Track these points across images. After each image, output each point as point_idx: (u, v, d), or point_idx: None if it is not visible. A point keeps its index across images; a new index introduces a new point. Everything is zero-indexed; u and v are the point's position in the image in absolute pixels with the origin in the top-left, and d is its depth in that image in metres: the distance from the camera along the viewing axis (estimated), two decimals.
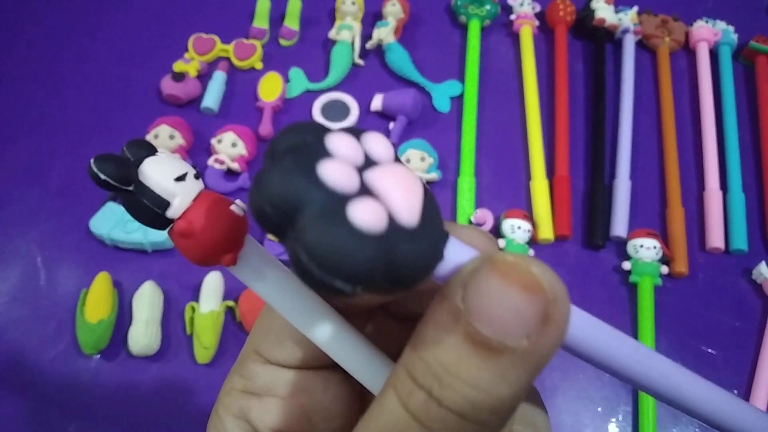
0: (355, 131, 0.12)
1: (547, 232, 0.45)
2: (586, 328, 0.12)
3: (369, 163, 0.11)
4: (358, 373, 0.13)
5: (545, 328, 0.10)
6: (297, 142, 0.11)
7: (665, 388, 0.13)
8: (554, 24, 0.56)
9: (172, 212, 0.12)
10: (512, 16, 0.56)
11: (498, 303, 0.10)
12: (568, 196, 0.47)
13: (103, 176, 0.12)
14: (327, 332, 0.13)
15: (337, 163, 0.11)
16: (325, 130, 0.12)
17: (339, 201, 0.10)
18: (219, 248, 0.12)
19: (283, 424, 0.14)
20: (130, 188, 0.12)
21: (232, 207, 0.13)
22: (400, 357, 0.11)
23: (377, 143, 0.12)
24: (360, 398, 0.15)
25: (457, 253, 0.11)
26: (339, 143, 0.11)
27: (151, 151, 0.13)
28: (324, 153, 0.11)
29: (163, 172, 0.12)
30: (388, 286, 0.10)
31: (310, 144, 0.11)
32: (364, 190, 0.11)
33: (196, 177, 0.13)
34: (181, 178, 0.12)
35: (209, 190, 0.13)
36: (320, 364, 0.15)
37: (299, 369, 0.15)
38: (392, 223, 0.11)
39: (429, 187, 0.13)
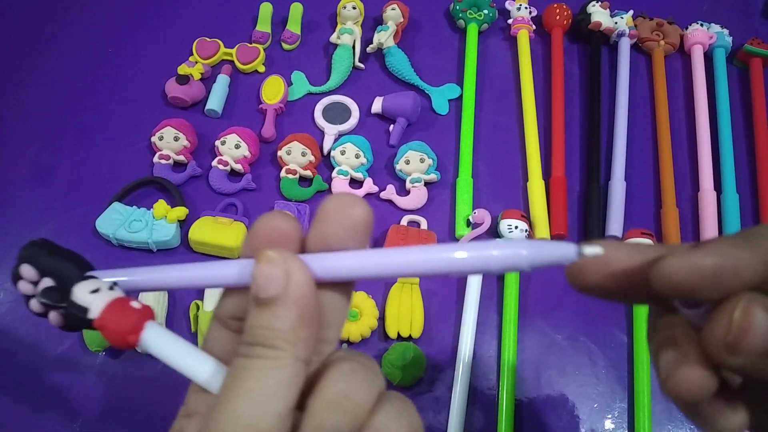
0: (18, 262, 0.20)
1: (543, 232, 0.46)
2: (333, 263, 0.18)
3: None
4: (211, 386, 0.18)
5: (289, 279, 0.17)
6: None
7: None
8: (551, 28, 0.56)
9: (91, 315, 0.18)
10: (510, 20, 0.57)
11: (259, 276, 0.17)
12: (564, 196, 0.47)
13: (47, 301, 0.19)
14: (202, 369, 0.19)
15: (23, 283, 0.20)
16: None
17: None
18: (124, 332, 0.18)
19: None
20: (63, 305, 0.19)
21: (132, 303, 0.19)
22: None
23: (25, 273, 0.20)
24: None
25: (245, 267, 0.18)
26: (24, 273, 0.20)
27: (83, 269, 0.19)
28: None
29: (83, 289, 0.19)
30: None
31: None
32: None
33: (110, 288, 0.19)
34: (95, 291, 0.19)
35: (119, 296, 0.19)
36: None
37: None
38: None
39: None
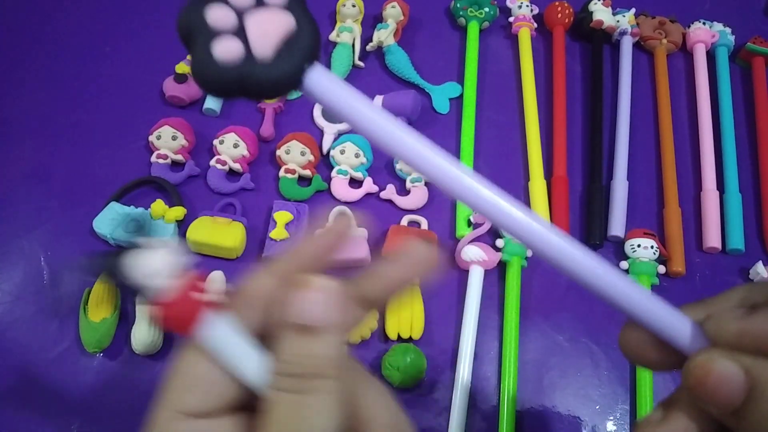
0: None
1: None
2: None
3: (259, 4, 0.15)
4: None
5: (334, 306, 0.17)
6: None
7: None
8: (552, 26, 0.56)
9: (147, 299, 0.17)
10: (511, 19, 0.56)
11: (305, 302, 0.17)
12: (565, 196, 0.47)
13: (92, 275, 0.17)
14: (252, 367, 0.17)
15: (219, 7, 0.15)
16: None
17: (213, 36, 0.15)
18: (179, 329, 0.17)
19: None
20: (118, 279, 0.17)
21: (197, 294, 0.17)
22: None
23: None
24: None
25: (326, 85, 0.16)
26: None
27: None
28: None
29: (140, 269, 0.16)
30: (250, 97, 0.15)
31: None
32: (239, 29, 0.15)
33: (173, 268, 0.17)
34: (156, 274, 0.16)
35: (186, 277, 0.17)
36: (226, 411, 0.18)
37: (213, 418, 0.18)
38: (249, 55, 0.15)
39: (308, 28, 0.16)
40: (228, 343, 0.17)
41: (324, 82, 0.16)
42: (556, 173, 0.48)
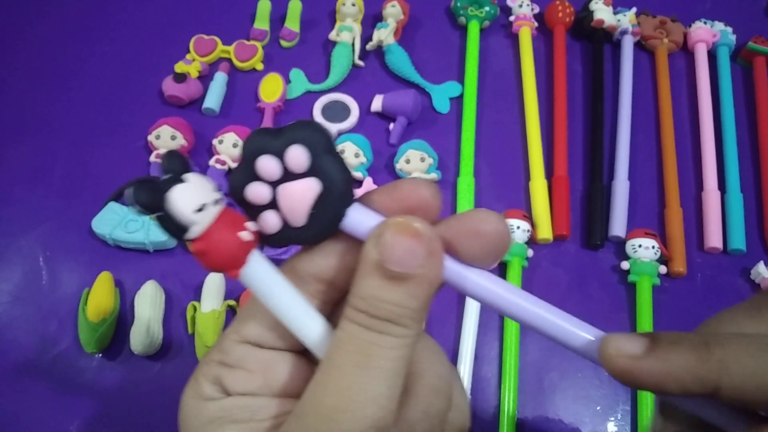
0: (282, 146, 0.16)
1: (545, 232, 0.45)
2: (456, 266, 0.17)
3: (286, 176, 0.17)
4: (316, 348, 0.18)
5: (430, 259, 0.16)
6: (243, 160, 0.17)
7: (514, 312, 0.18)
8: (553, 25, 0.56)
9: (189, 236, 0.16)
10: (511, 18, 0.56)
11: (398, 248, 0.16)
12: (566, 196, 0.47)
13: (138, 206, 0.15)
14: (300, 321, 0.17)
15: (257, 186, 0.17)
16: (262, 147, 0.16)
17: (257, 212, 0.17)
18: (223, 266, 0.16)
19: (249, 390, 0.18)
20: (161, 213, 0.15)
21: (241, 234, 0.16)
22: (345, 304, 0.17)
23: (293, 159, 0.16)
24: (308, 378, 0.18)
25: (366, 220, 0.17)
26: (263, 166, 0.16)
27: (185, 167, 0.16)
28: (254, 174, 0.17)
29: (185, 204, 0.15)
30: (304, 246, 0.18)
31: (248, 161, 0.16)
32: (274, 201, 0.17)
33: (216, 202, 0.16)
34: (200, 209, 0.15)
35: (227, 212, 0.16)
36: (285, 347, 0.19)
37: (267, 349, 0.19)
38: (286, 224, 0.17)
39: (334, 187, 0.17)
40: (270, 282, 0.17)
41: (362, 217, 0.17)
42: (557, 173, 0.48)
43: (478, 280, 0.17)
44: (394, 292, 0.16)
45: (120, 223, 0.43)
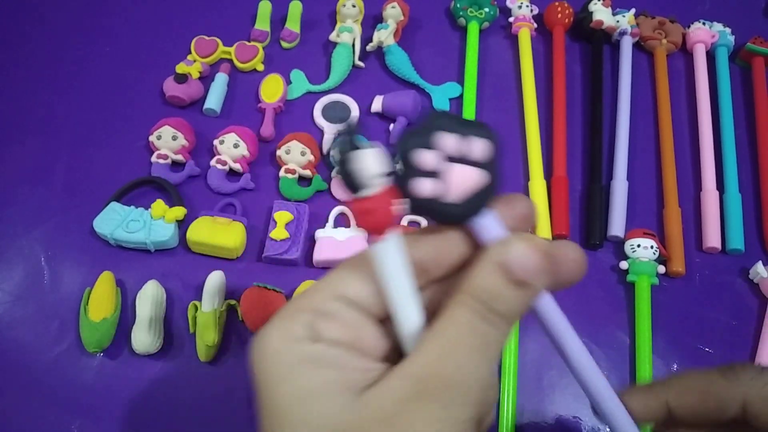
0: (467, 133, 0.20)
1: (544, 232, 0.45)
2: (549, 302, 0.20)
3: (461, 157, 0.19)
4: (407, 337, 0.19)
5: (545, 275, 0.19)
6: (420, 128, 0.19)
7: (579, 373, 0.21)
8: (552, 26, 0.56)
9: (361, 194, 0.19)
10: (511, 19, 0.56)
11: (527, 259, 0.18)
12: (565, 196, 0.47)
13: (338, 155, 0.18)
14: (404, 307, 0.19)
15: (428, 153, 0.19)
16: (446, 126, 0.19)
17: (420, 173, 0.19)
18: (374, 228, 0.19)
19: (343, 340, 0.19)
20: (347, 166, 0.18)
21: (395, 207, 0.19)
22: (457, 293, 0.19)
23: (478, 149, 0.19)
24: (394, 348, 0.20)
25: (495, 229, 0.19)
26: (444, 140, 0.19)
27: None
28: (428, 143, 0.19)
29: (371, 167, 0.18)
30: (439, 220, 0.20)
31: (427, 131, 0.19)
32: (440, 173, 0.19)
33: (387, 175, 0.19)
34: (376, 176, 0.18)
35: (391, 187, 0.19)
36: (374, 314, 0.20)
37: (365, 314, 0.20)
38: (441, 196, 0.19)
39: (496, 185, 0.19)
40: (394, 261, 0.19)
41: (487, 221, 0.19)
42: (556, 173, 0.48)
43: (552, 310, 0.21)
44: (513, 294, 0.18)
45: (121, 223, 0.43)
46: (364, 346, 0.20)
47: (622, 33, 0.55)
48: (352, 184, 0.18)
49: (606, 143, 0.51)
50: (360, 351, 0.19)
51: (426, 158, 0.19)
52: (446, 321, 0.18)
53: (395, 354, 0.20)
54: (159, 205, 0.44)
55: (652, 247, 0.44)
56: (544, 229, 0.46)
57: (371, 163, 0.18)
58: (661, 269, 0.44)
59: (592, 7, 0.55)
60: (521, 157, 0.50)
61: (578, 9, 0.57)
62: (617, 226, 0.46)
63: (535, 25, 0.56)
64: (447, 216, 0.19)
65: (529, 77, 0.53)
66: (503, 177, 0.19)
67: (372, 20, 0.56)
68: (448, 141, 0.19)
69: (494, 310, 0.18)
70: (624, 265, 0.44)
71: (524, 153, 0.50)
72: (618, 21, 0.55)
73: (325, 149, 0.49)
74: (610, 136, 0.51)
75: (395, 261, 0.19)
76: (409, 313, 0.19)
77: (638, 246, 0.44)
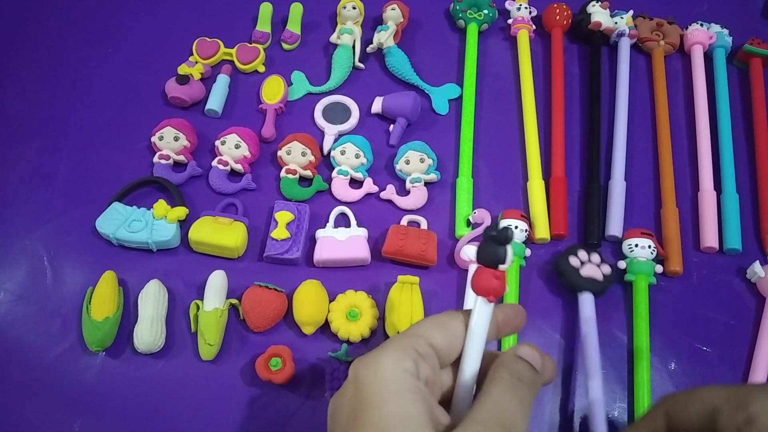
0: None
1: (543, 232, 0.46)
2: None
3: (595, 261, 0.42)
4: (464, 382, 0.26)
5: (546, 374, 0.26)
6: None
7: None
8: (550, 27, 0.56)
9: (501, 267, 0.25)
10: (509, 21, 0.57)
11: (537, 358, 0.26)
12: (564, 196, 0.47)
13: (497, 236, 0.24)
14: (472, 369, 0.26)
15: (574, 258, 0.43)
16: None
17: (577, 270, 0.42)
18: (496, 293, 0.25)
19: (430, 380, 0.25)
20: (502, 247, 0.25)
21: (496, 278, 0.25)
22: (493, 374, 0.25)
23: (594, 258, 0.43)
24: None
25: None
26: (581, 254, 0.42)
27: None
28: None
29: (510, 256, 0.25)
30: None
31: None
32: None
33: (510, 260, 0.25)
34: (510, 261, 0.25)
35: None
36: (444, 363, 0.26)
37: (444, 364, 0.26)
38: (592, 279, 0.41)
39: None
40: (486, 322, 0.25)
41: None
42: (555, 173, 0.48)
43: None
44: (532, 374, 0.25)
45: (123, 222, 0.44)
46: (440, 388, 0.26)
47: (621, 34, 0.56)
48: (498, 257, 0.24)
49: (604, 144, 0.51)
50: (437, 391, 0.26)
51: (576, 261, 0.41)
52: (496, 387, 0.24)
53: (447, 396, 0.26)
54: (161, 205, 0.44)
55: (649, 246, 0.44)
56: (542, 229, 0.46)
57: (511, 253, 0.25)
58: (659, 269, 0.44)
59: (590, 8, 0.56)
60: (520, 157, 0.50)
61: (577, 11, 0.57)
62: (615, 225, 0.46)
63: (534, 26, 0.56)
64: (596, 291, 0.41)
65: (527, 78, 0.53)
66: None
67: (372, 22, 0.56)
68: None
69: (522, 380, 0.24)
70: (622, 264, 0.44)
71: (523, 153, 0.50)
72: (616, 23, 0.56)
73: (325, 150, 0.49)
74: (608, 137, 0.52)
75: (485, 323, 0.25)
76: (475, 365, 0.25)
77: (636, 246, 0.44)
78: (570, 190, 0.48)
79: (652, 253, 0.44)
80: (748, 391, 0.27)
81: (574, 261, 0.43)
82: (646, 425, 0.31)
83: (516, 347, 0.26)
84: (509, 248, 0.25)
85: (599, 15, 0.55)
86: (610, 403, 0.41)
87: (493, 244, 0.24)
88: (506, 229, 0.24)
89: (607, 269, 0.43)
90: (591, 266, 0.43)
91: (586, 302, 0.42)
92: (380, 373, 0.23)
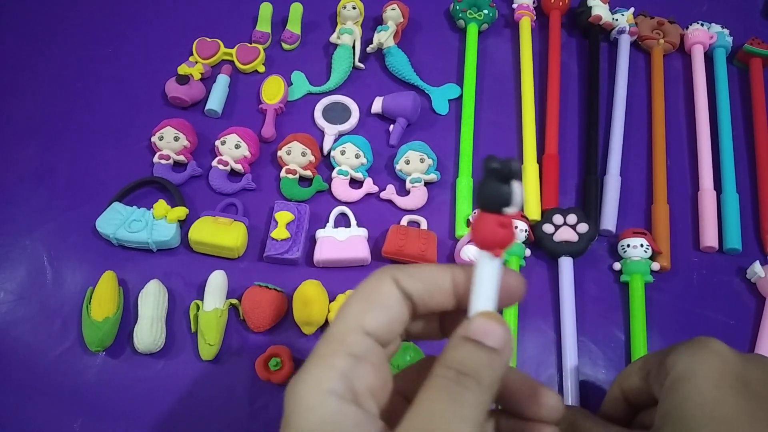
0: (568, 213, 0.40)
1: (534, 213, 0.46)
2: None
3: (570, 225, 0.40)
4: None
5: (507, 343, 0.21)
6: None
7: None
8: (549, 10, 0.57)
9: (505, 211, 0.20)
10: (514, 5, 0.57)
11: (491, 328, 0.21)
12: (556, 173, 0.48)
13: (498, 169, 0.20)
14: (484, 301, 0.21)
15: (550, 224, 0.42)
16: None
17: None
18: (503, 243, 0.20)
19: (371, 386, 0.21)
20: (506, 185, 0.20)
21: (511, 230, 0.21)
22: (433, 369, 0.21)
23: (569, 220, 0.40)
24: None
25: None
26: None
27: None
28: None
29: (519, 194, 0.20)
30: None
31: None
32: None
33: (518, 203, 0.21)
34: (518, 204, 0.20)
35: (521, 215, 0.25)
36: (394, 344, 0.22)
37: (383, 345, 0.22)
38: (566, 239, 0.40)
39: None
40: (497, 272, 0.21)
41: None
42: (548, 151, 0.49)
43: None
44: (479, 356, 0.20)
45: (124, 222, 0.44)
46: (386, 385, 0.22)
47: (621, 31, 0.56)
48: (502, 197, 0.20)
49: (601, 139, 0.51)
50: (385, 392, 0.22)
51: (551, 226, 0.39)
52: (428, 391, 0.20)
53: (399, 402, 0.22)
54: (161, 205, 0.44)
55: (642, 245, 0.44)
56: (534, 210, 0.46)
57: (519, 192, 0.20)
58: (656, 266, 0.44)
59: (591, 1, 0.56)
60: (519, 157, 0.50)
61: (577, 4, 0.57)
62: (609, 220, 0.46)
63: (535, 16, 0.56)
64: (566, 251, 0.41)
65: (527, 65, 0.53)
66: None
67: (372, 22, 0.56)
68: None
69: (463, 373, 0.20)
70: (617, 266, 0.45)
71: (522, 154, 0.50)
72: (617, 19, 0.56)
73: (325, 150, 0.49)
74: (605, 133, 0.52)
75: (492, 286, 0.21)
76: (483, 306, 0.21)
77: (628, 246, 0.44)
78: (567, 186, 0.48)
79: (645, 252, 0.44)
80: (670, 349, 0.28)
81: (547, 227, 0.43)
82: (608, 406, 0.32)
83: (465, 323, 0.21)
84: (516, 185, 0.19)
85: (599, 9, 0.55)
86: None
87: (495, 181, 0.19)
88: (511, 160, 0.19)
89: (583, 227, 0.42)
90: (566, 229, 0.43)
91: (563, 265, 0.43)
92: (300, 402, 0.20)
